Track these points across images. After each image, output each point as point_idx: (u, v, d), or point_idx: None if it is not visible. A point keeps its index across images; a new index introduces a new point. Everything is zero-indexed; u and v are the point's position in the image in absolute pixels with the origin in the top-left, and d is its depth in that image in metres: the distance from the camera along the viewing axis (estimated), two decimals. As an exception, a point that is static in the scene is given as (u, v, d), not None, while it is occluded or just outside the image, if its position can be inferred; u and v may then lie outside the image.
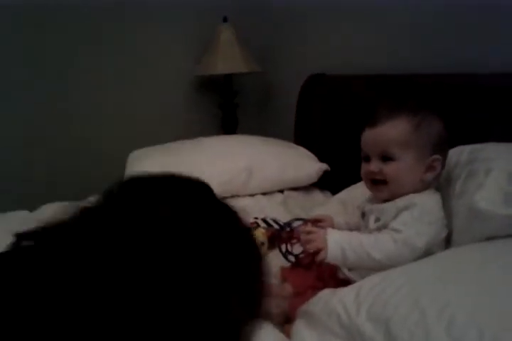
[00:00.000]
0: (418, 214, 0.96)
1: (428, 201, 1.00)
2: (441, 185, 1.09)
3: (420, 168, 1.02)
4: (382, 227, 1.00)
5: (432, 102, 1.18)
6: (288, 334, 0.86)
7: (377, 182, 1.05)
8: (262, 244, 1.31)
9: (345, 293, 0.85)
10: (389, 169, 1.02)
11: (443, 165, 1.05)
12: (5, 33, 1.93)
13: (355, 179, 1.37)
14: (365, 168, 1.06)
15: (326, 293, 0.89)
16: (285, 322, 0.98)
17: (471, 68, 1.37)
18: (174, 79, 2.30)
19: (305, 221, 1.22)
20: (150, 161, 1.81)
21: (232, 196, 1.78)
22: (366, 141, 1.07)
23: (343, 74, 1.88)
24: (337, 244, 0.96)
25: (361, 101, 1.69)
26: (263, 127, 2.30)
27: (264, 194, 1.81)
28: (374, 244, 0.94)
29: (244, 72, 2.20)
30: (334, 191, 1.64)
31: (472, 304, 0.70)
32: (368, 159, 1.06)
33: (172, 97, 2.33)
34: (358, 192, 1.31)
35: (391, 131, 1.02)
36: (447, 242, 0.99)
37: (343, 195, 1.41)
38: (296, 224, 1.23)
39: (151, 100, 2.26)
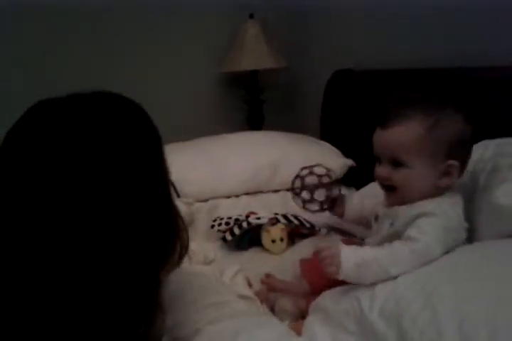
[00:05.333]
0: (435, 222, 0.88)
1: (445, 208, 0.91)
2: (466, 179, 1.06)
3: (434, 175, 0.93)
4: (394, 233, 0.93)
5: (454, 97, 1.08)
6: (298, 331, 0.85)
7: (387, 188, 0.98)
8: (281, 239, 1.31)
9: (361, 289, 0.84)
10: (398, 176, 0.94)
11: (463, 169, 0.96)
12: (39, 28, 1.97)
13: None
14: (376, 170, 0.99)
15: (340, 289, 0.88)
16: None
17: (503, 61, 1.33)
18: (200, 75, 2.31)
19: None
20: (175, 158, 1.81)
21: (256, 192, 1.78)
22: (377, 143, 0.98)
23: (369, 69, 1.86)
24: (349, 262, 0.86)
25: (387, 97, 1.67)
26: (289, 123, 2.29)
27: (288, 190, 1.80)
28: (390, 258, 0.86)
29: (270, 68, 2.19)
30: (360, 187, 1.62)
31: (485, 303, 0.68)
32: (379, 160, 0.99)
33: (198, 94, 2.34)
34: (379, 188, 1.29)
35: (401, 135, 0.93)
36: (469, 239, 0.95)
37: (365, 190, 1.39)
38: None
39: (177, 97, 2.27)
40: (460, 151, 0.94)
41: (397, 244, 0.88)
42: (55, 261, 0.57)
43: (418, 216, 0.90)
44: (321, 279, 1.05)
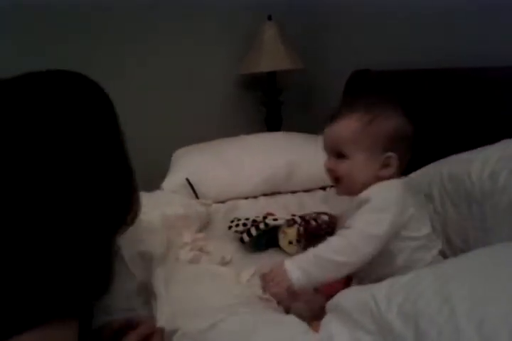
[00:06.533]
0: (370, 206, 0.95)
1: (382, 190, 0.98)
2: (485, 180, 1.05)
3: (373, 165, 1.01)
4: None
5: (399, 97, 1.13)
6: (316, 330, 0.85)
7: (335, 179, 1.06)
8: (298, 241, 1.30)
9: (377, 288, 0.83)
10: (341, 167, 1.03)
11: (402, 162, 1.03)
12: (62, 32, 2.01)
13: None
14: (324, 163, 1.08)
15: (356, 288, 0.87)
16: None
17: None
18: (218, 77, 2.33)
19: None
20: (194, 159, 1.84)
21: (274, 193, 1.79)
22: (324, 138, 1.08)
23: (387, 69, 1.85)
24: (295, 267, 0.94)
25: (406, 97, 1.66)
26: (307, 124, 2.28)
27: (306, 191, 1.81)
28: (328, 248, 0.94)
29: (288, 69, 2.19)
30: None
31: (505, 304, 0.67)
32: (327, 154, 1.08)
33: (216, 95, 2.36)
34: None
35: (341, 129, 1.03)
36: (486, 240, 0.94)
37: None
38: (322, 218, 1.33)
39: (195, 98, 2.29)
40: (398, 145, 1.02)
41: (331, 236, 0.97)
42: (11, 224, 0.59)
43: (359, 205, 0.98)
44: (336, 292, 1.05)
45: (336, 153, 1.04)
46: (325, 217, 1.38)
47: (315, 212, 1.41)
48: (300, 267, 0.93)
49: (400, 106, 1.05)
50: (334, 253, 0.92)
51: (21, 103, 0.63)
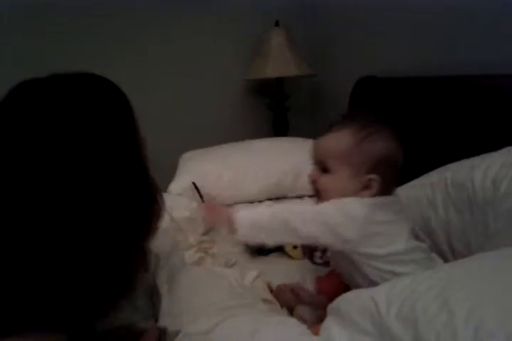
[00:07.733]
0: (336, 204, 0.94)
1: (352, 200, 0.95)
2: (488, 186, 1.05)
3: (354, 185, 0.97)
4: None
5: (387, 118, 1.06)
6: (316, 333, 0.86)
7: (315, 192, 1.04)
8: (295, 247, 1.32)
9: (377, 291, 0.84)
10: (322, 180, 1.00)
11: (386, 186, 0.98)
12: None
13: (402, 181, 1.35)
14: (308, 174, 1.05)
15: (356, 292, 0.88)
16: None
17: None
18: (226, 82, 2.35)
19: None
20: (200, 163, 1.85)
21: (279, 198, 1.80)
22: (312, 148, 1.05)
23: (394, 76, 1.86)
24: (245, 215, 0.98)
25: (412, 104, 1.66)
26: (314, 130, 2.29)
27: (311, 196, 1.81)
28: (291, 210, 0.97)
29: (295, 75, 2.21)
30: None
31: (503, 308, 0.67)
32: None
33: (224, 101, 2.38)
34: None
35: (331, 142, 1.00)
36: (487, 246, 0.95)
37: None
38: None
39: (203, 103, 2.31)
40: (384, 168, 0.97)
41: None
42: (39, 232, 0.62)
43: None
44: (338, 292, 1.06)
45: (321, 165, 1.01)
46: None
47: None
48: (252, 218, 0.98)
49: (395, 132, 1.01)
50: (295, 216, 0.95)
51: (47, 104, 0.66)
